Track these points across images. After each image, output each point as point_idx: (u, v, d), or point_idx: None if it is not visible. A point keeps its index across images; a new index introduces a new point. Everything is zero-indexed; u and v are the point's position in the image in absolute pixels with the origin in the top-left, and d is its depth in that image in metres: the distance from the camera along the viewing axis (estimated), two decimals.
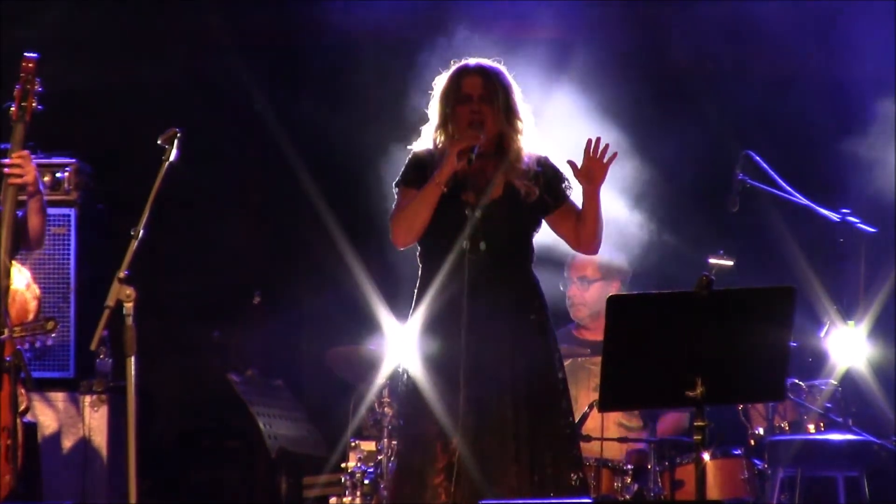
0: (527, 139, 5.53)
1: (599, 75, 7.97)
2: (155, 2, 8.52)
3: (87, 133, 8.17)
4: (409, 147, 5.62)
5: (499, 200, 5.46)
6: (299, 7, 8.59)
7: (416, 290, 5.50)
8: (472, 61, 5.54)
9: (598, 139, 5.38)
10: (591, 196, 5.42)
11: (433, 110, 5.55)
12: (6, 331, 5.92)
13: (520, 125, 5.50)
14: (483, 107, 5.44)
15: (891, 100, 7.86)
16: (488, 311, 5.38)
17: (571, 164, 5.40)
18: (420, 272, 5.50)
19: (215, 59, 8.53)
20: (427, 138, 5.54)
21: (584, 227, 5.47)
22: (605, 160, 5.37)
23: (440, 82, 5.55)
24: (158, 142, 5.12)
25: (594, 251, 5.59)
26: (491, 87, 5.47)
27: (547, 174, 5.52)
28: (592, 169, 5.38)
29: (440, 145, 5.49)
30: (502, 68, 5.55)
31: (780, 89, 8.18)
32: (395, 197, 5.55)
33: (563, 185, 5.54)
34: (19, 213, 6.13)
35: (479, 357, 5.34)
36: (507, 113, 5.47)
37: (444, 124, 5.50)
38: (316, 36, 8.67)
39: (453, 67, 5.55)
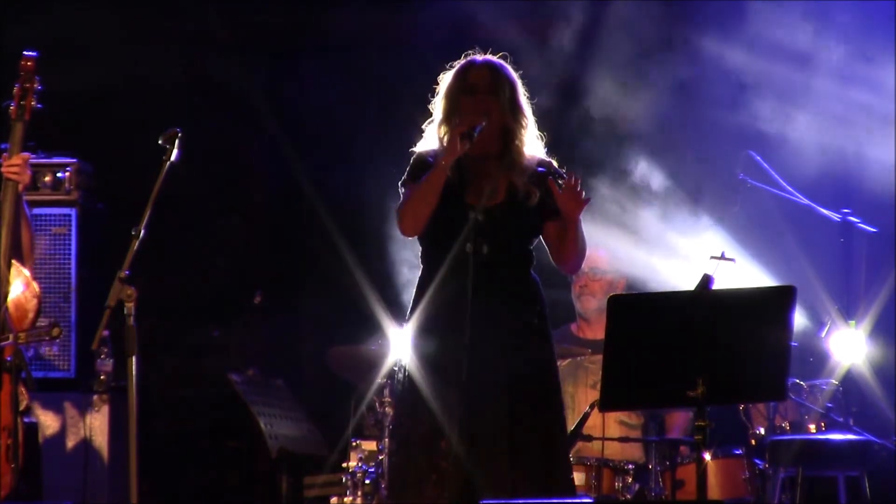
0: (529, 138, 5.51)
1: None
2: (155, 2, 8.52)
3: (87, 133, 8.17)
4: (412, 150, 5.59)
5: (502, 204, 5.43)
6: (299, 7, 8.59)
7: (415, 290, 5.48)
8: (479, 57, 5.54)
9: (579, 180, 5.32)
10: (570, 219, 5.39)
11: (437, 107, 5.52)
12: (11, 336, 5.91)
13: (524, 121, 5.49)
14: (488, 97, 5.43)
15: (891, 100, 7.87)
16: (488, 313, 5.35)
17: (554, 186, 5.37)
18: (421, 272, 5.49)
19: (215, 59, 8.53)
20: (430, 138, 5.51)
21: (563, 245, 5.42)
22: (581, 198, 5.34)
23: (446, 78, 5.53)
24: (159, 142, 5.12)
25: (572, 270, 5.58)
26: (498, 79, 5.45)
27: (549, 177, 5.49)
28: (569, 201, 5.35)
29: (444, 138, 5.46)
30: (508, 65, 5.54)
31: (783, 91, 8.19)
32: (401, 196, 5.51)
33: None
34: None
35: (477, 359, 5.32)
36: (513, 107, 5.46)
37: (448, 118, 5.47)
38: (316, 36, 8.67)
39: (460, 63, 5.54)
